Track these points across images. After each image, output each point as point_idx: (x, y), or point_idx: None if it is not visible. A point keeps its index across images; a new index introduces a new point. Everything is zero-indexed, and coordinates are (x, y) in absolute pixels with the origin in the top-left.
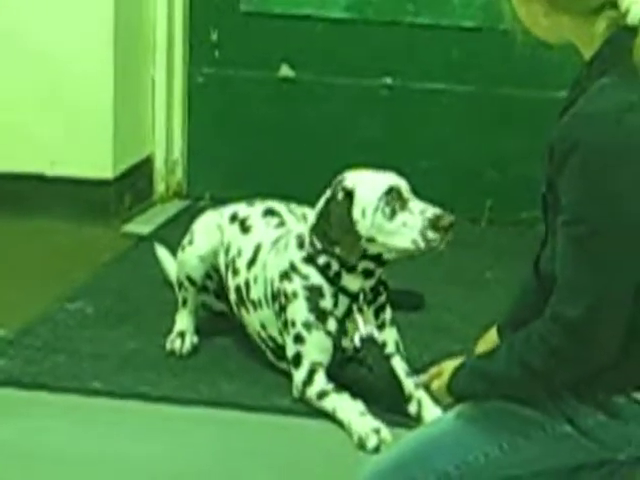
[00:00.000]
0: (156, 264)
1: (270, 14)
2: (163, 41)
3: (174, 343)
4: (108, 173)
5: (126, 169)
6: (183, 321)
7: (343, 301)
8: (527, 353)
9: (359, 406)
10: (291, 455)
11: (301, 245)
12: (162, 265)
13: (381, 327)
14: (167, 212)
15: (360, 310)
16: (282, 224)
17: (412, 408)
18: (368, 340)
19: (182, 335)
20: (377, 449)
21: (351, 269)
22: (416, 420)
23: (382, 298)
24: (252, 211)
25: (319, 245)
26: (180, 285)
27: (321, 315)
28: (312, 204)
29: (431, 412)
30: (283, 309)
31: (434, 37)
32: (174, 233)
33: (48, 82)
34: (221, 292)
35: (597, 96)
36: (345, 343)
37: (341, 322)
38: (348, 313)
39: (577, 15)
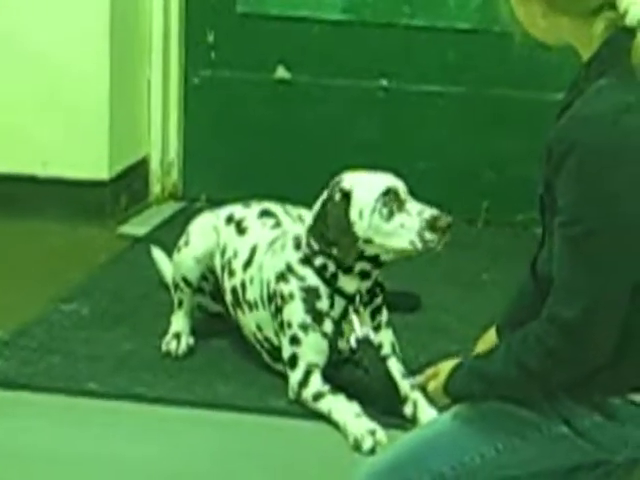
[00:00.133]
0: (152, 265)
1: (266, 16)
2: (159, 42)
3: (170, 344)
4: (104, 174)
5: (122, 170)
6: (179, 322)
7: (339, 302)
8: (524, 354)
9: (355, 408)
10: (287, 456)
11: (298, 246)
12: (158, 266)
13: (377, 328)
14: (163, 213)
15: (356, 312)
16: (278, 225)
17: (408, 410)
18: (364, 342)
19: (178, 336)
20: (373, 451)
21: (348, 270)
22: (412, 422)
23: (378, 300)
24: (248, 212)
25: (316, 246)
26: (176, 286)
27: (317, 316)
28: (308, 205)
29: (427, 414)
30: (279, 310)
31: (430, 39)
32: (170, 234)
33: (44, 84)
34: (217, 293)
35: (594, 98)
36: (341, 345)
37: (337, 323)
38: (344, 315)
39: (576, 16)
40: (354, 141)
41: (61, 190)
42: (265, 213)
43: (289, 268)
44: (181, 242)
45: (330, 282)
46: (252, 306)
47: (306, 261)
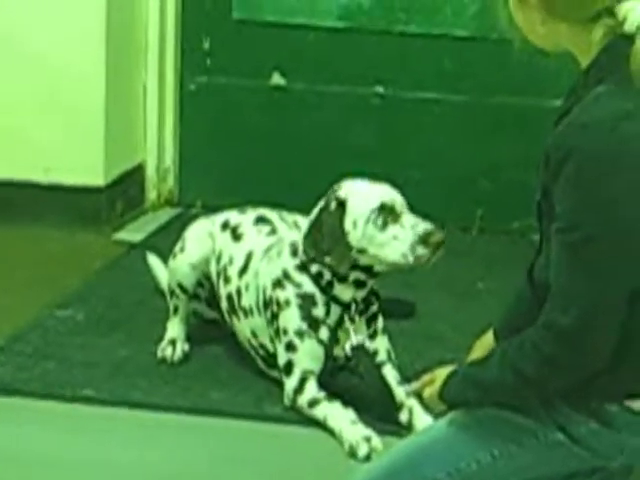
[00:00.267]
0: (147, 272)
1: (262, 22)
2: (155, 49)
3: (165, 351)
4: (100, 180)
5: (118, 176)
6: (174, 329)
7: (335, 310)
8: (520, 360)
9: (350, 414)
10: (282, 463)
11: (294, 253)
12: (153, 273)
13: (373, 336)
14: (159, 220)
15: (352, 320)
16: (274, 232)
17: (403, 416)
18: (359, 349)
19: (173, 343)
20: (368, 457)
21: (343, 279)
22: (407, 428)
23: (374, 308)
24: (244, 219)
25: (311, 254)
26: (171, 293)
27: (313, 323)
28: (304, 212)
29: (422, 420)
30: (275, 317)
31: (426, 46)
32: (165, 241)
33: (40, 89)
34: (212, 300)
35: (593, 104)
36: (337, 352)
37: (333, 331)
38: (340, 322)
39: (574, 23)
40: (349, 148)
41: (57, 196)
42: (261, 219)
43: (285, 275)
44: (177, 248)
45: (326, 290)
46: (247, 313)
47: (303, 268)
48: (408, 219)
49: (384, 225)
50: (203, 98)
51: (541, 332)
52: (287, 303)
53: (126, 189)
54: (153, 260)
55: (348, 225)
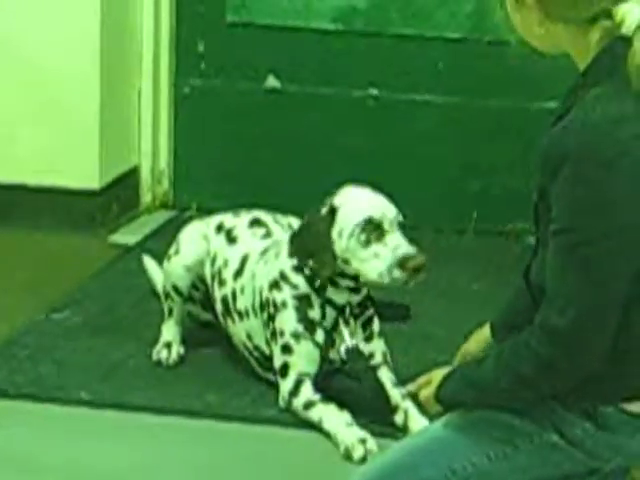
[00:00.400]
0: (142, 274)
1: (256, 25)
2: (149, 52)
3: (160, 353)
4: (95, 183)
5: (112, 179)
6: (169, 331)
7: (330, 313)
8: (515, 362)
9: (345, 417)
10: (277, 465)
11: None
12: (148, 275)
13: (369, 338)
14: (153, 222)
15: (346, 322)
16: (268, 234)
17: (398, 419)
18: (353, 352)
19: (168, 345)
20: (363, 460)
21: (334, 283)
22: (402, 431)
23: (369, 312)
24: (238, 221)
25: (294, 254)
26: (166, 295)
27: (309, 325)
28: (298, 214)
29: (417, 423)
30: (272, 319)
31: (420, 48)
32: (160, 243)
33: (35, 93)
34: (207, 302)
35: (590, 106)
36: (332, 354)
37: (329, 333)
38: (335, 325)
39: (572, 24)
40: (344, 150)
41: (52, 199)
42: (255, 222)
43: (282, 276)
44: (171, 251)
45: (319, 292)
46: (243, 315)
47: (299, 269)
48: (392, 239)
49: (367, 242)
50: (197, 101)
51: (537, 333)
52: (284, 305)
53: (121, 192)
54: (148, 262)
55: (335, 234)
